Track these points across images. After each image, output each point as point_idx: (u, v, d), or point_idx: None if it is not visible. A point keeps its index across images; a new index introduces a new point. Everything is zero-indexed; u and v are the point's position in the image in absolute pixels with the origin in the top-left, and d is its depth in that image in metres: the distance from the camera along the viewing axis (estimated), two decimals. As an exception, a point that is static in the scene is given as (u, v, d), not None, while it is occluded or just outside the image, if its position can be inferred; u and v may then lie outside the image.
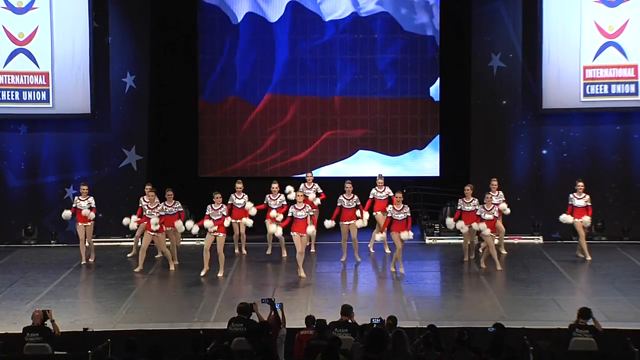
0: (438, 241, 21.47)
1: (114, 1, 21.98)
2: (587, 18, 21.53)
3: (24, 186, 21.81)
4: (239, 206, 19.86)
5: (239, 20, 23.28)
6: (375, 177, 20.18)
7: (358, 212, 19.38)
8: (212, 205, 18.42)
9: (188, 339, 13.82)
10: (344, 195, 19.54)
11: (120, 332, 14.88)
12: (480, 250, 19.41)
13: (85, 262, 19.58)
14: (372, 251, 20.32)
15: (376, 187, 19.99)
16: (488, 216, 18.60)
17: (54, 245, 21.24)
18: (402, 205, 18.54)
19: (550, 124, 22.07)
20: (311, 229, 18.42)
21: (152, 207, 18.67)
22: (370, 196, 19.94)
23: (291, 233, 18.50)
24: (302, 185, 20.26)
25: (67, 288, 18.18)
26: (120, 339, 13.81)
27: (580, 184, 19.47)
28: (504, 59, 21.86)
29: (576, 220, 19.43)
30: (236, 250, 20.35)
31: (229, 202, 19.58)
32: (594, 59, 21.56)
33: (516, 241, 20.94)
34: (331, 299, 16.78)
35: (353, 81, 23.47)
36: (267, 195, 19.88)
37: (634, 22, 21.44)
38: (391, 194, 19.47)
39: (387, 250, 20.01)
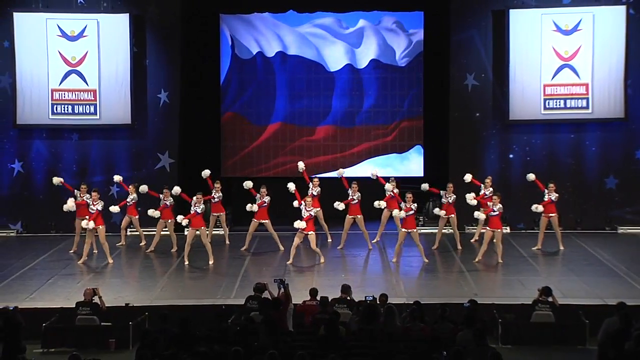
0: (422, 231, 21.33)
1: (151, 30, 22.01)
2: (547, 44, 21.55)
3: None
4: (215, 201, 19.69)
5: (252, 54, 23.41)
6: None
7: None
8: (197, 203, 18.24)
9: (212, 312, 13.87)
10: (351, 192, 19.45)
11: (156, 307, 14.93)
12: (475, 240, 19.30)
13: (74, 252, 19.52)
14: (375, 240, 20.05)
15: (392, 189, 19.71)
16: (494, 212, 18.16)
17: (100, 234, 21.29)
18: (412, 203, 18.30)
19: (515, 132, 22.07)
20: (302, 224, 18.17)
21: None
22: (388, 193, 19.59)
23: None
24: (310, 191, 19.77)
25: (112, 270, 18.21)
26: (156, 313, 13.87)
27: (552, 185, 19.40)
28: (477, 78, 21.85)
29: (550, 214, 19.29)
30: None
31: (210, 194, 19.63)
32: (552, 78, 21.57)
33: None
34: (333, 280, 16.78)
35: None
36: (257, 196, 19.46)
37: (585, 48, 21.44)
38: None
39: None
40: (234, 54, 23.41)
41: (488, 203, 18.61)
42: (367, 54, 23.28)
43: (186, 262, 18.36)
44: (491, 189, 19.48)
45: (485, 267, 18.15)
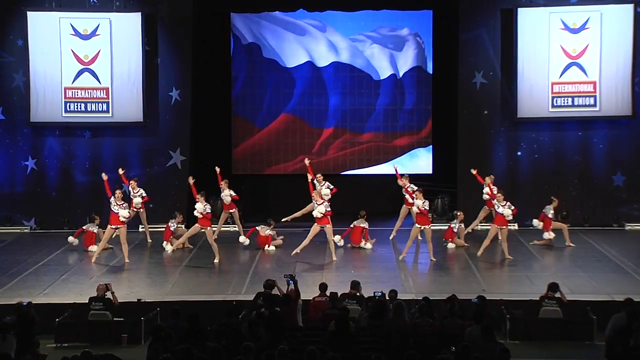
0: (431, 227, 21.34)
1: (162, 29, 22.02)
2: (554, 42, 21.49)
3: (88, 181, 21.88)
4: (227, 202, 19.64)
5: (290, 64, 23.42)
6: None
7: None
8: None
9: (223, 308, 13.86)
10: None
11: (168, 303, 14.94)
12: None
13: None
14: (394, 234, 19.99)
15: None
16: (502, 210, 18.01)
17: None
18: (423, 199, 18.28)
19: (523, 130, 22.01)
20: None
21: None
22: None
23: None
24: (317, 185, 19.92)
25: (124, 265, 18.22)
26: (168, 308, 13.87)
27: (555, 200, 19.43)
28: (486, 76, 21.80)
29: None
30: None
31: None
32: (560, 76, 21.51)
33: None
34: (342, 276, 16.79)
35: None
36: None
37: (593, 46, 21.38)
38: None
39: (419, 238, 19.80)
40: (253, 52, 23.35)
41: (493, 201, 18.53)
42: (406, 60, 23.24)
43: (169, 249, 18.83)
44: (494, 187, 19.37)
45: (493, 264, 18.12)
